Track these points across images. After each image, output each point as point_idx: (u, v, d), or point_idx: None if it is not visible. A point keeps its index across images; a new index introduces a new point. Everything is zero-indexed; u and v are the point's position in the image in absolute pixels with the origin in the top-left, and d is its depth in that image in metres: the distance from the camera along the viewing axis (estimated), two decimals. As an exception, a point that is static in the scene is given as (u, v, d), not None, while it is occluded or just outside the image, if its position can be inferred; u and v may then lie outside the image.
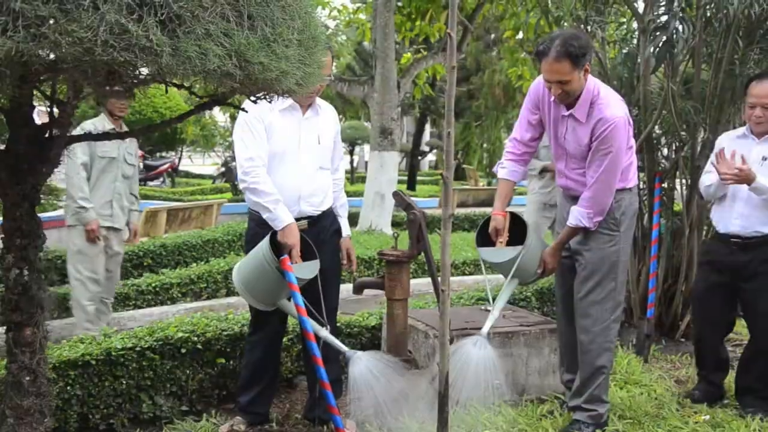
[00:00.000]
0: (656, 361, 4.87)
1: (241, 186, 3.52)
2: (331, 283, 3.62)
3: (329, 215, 3.69)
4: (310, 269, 3.38)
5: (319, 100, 3.67)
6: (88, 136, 2.47)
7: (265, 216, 3.39)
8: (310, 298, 3.34)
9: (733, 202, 3.91)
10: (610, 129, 3.34)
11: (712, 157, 4.06)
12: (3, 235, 2.36)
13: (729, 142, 4.01)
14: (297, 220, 3.44)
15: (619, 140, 3.37)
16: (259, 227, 3.52)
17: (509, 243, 3.58)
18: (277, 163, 3.49)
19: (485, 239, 3.65)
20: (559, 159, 3.65)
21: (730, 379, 4.19)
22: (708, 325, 4.13)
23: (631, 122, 3.53)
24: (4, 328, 2.43)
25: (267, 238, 3.32)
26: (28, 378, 2.38)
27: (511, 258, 3.52)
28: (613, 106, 3.41)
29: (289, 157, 3.52)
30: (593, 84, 3.44)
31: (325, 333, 3.33)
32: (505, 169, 3.74)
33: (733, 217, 3.89)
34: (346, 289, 6.76)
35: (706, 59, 5.10)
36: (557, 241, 3.63)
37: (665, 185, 5.26)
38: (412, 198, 3.93)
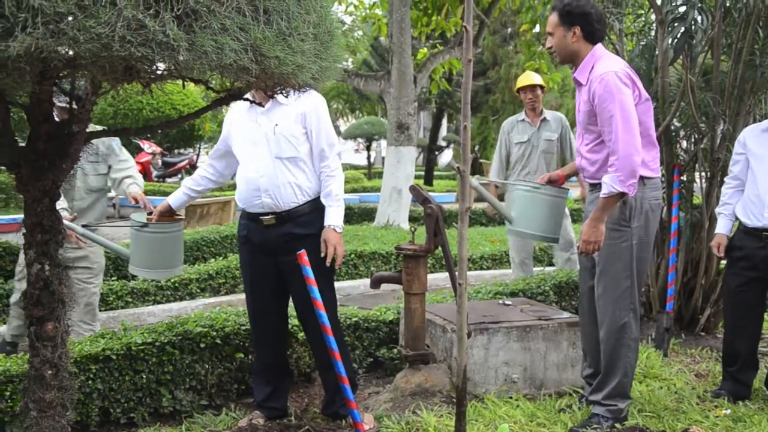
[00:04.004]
0: (676, 355, 4.84)
1: None
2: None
3: (306, 214, 3.50)
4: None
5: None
6: (108, 132, 2.49)
7: None
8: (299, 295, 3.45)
9: (764, 196, 3.88)
10: (601, 84, 3.31)
11: (737, 148, 4.09)
12: (24, 231, 2.39)
13: (754, 137, 4.00)
14: (263, 214, 3.49)
15: (615, 96, 3.29)
16: (242, 219, 3.65)
17: None
18: (242, 158, 3.58)
19: None
20: (578, 136, 3.64)
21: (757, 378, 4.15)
22: (742, 323, 4.07)
23: (633, 78, 3.42)
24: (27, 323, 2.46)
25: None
26: (50, 372, 2.41)
27: (521, 186, 3.87)
28: (607, 64, 3.38)
29: (249, 150, 3.53)
30: (602, 51, 3.47)
31: None
32: None
33: (765, 211, 3.86)
34: (363, 284, 6.81)
35: (726, 50, 5.05)
36: (591, 216, 3.44)
37: (684, 178, 5.22)
38: (429, 193, 3.92)
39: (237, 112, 3.58)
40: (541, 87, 6.22)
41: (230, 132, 3.62)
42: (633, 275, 3.51)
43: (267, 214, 3.49)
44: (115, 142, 4.55)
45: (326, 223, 3.50)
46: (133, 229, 3.61)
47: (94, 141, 4.20)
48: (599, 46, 3.49)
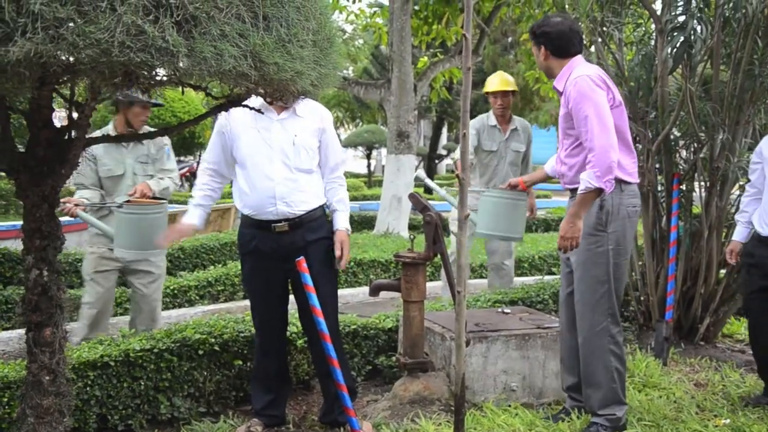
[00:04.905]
0: (675, 364, 4.83)
1: None
2: (320, 290, 3.44)
3: (316, 219, 3.61)
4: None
5: (305, 102, 3.63)
6: (106, 138, 2.50)
7: None
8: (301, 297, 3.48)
9: None
10: (575, 88, 3.39)
11: (754, 157, 4.13)
12: (23, 237, 2.39)
13: None
14: (276, 222, 3.49)
15: (588, 96, 3.36)
16: (246, 228, 3.62)
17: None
18: (251, 165, 3.53)
19: None
20: (559, 143, 3.71)
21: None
22: (758, 327, 4.09)
23: (608, 82, 3.49)
24: (24, 329, 2.46)
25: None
26: (47, 378, 2.41)
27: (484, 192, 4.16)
28: (581, 70, 3.47)
29: (261, 158, 3.51)
30: (578, 62, 3.56)
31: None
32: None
33: None
34: (362, 291, 6.81)
35: (725, 60, 5.05)
36: (569, 212, 3.46)
37: (683, 187, 5.22)
38: (429, 201, 3.92)
39: (236, 120, 3.54)
40: (513, 93, 5.88)
41: (236, 139, 3.56)
42: (610, 280, 3.51)
43: (280, 221, 3.50)
44: (167, 147, 4.60)
45: (339, 226, 3.66)
46: (113, 209, 3.72)
47: (145, 143, 4.35)
48: (577, 57, 3.57)
